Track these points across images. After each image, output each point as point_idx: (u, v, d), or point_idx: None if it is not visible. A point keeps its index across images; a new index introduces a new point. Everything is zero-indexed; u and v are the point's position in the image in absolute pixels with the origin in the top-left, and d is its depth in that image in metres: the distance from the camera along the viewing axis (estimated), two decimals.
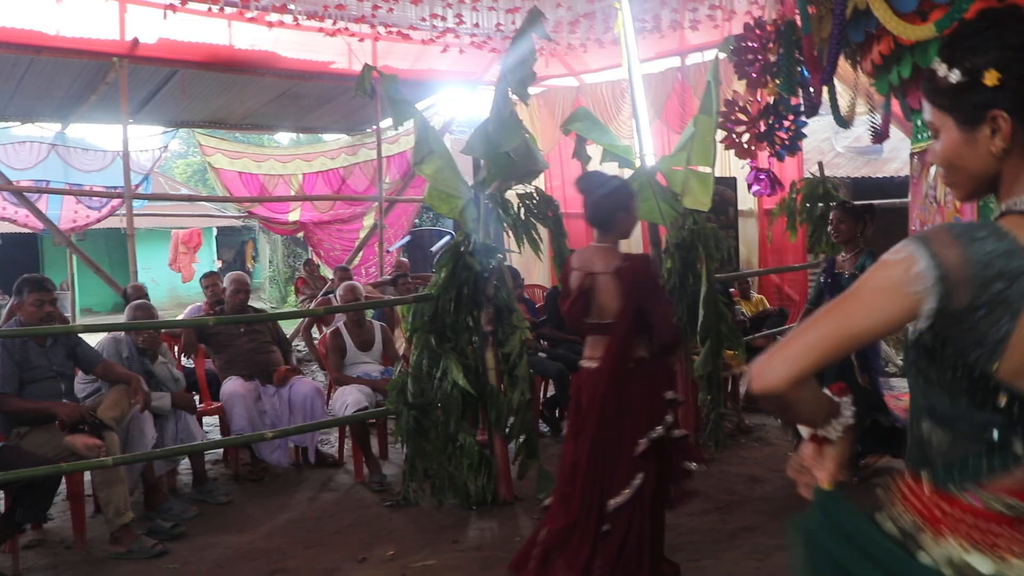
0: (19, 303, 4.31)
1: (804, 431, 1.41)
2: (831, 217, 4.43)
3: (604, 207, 3.45)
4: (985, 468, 1.25)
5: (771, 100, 3.21)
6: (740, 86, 4.16)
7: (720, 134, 4.02)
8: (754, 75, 3.17)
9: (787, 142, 3.26)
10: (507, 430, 5.00)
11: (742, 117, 3.36)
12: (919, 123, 2.91)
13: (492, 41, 9.02)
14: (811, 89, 2.98)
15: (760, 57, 3.14)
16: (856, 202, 8.42)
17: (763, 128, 3.28)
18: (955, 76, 1.28)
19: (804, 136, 3.26)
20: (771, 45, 3.10)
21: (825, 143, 13.11)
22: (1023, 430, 1.24)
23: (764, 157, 3.58)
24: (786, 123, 3.18)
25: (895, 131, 11.06)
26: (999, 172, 1.29)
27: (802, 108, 3.09)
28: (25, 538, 4.46)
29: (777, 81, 3.01)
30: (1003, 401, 1.23)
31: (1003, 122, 1.25)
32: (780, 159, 3.42)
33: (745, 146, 3.39)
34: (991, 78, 1.24)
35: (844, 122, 3.26)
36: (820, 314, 1.25)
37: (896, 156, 11.38)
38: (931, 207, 2.82)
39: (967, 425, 1.26)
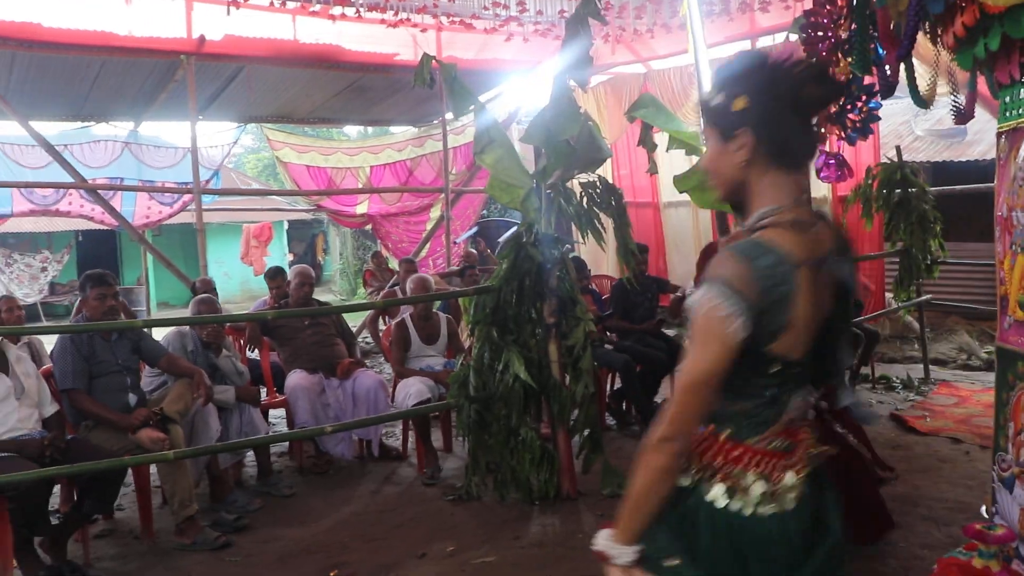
0: (83, 299, 4.38)
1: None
2: None
3: None
4: (763, 419, 1.61)
5: (842, 80, 3.02)
6: None
7: None
8: (824, 53, 2.99)
9: (859, 125, 3.07)
10: (571, 424, 4.90)
11: None
12: (1007, 99, 2.70)
13: (556, 29, 8.88)
14: (886, 68, 2.79)
15: (830, 34, 2.95)
16: (936, 188, 8.15)
17: (833, 110, 3.10)
18: (717, 99, 1.62)
19: (878, 118, 3.08)
20: (842, 21, 2.91)
21: (904, 126, 12.64)
22: (790, 386, 1.61)
23: (834, 141, 3.39)
24: (858, 104, 3.00)
25: (980, 112, 10.65)
26: (746, 180, 1.63)
27: (876, 88, 2.91)
28: (96, 528, 4.56)
29: (849, 60, 2.83)
30: (775, 369, 1.58)
31: (745, 138, 1.60)
32: (851, 143, 3.23)
33: (813, 129, 3.21)
34: (740, 103, 1.59)
35: (923, 102, 3.06)
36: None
37: (981, 139, 10.90)
38: (1020, 190, 2.62)
39: (750, 389, 1.60)
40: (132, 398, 4.47)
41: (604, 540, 1.65)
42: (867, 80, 2.98)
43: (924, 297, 8.18)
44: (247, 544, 4.36)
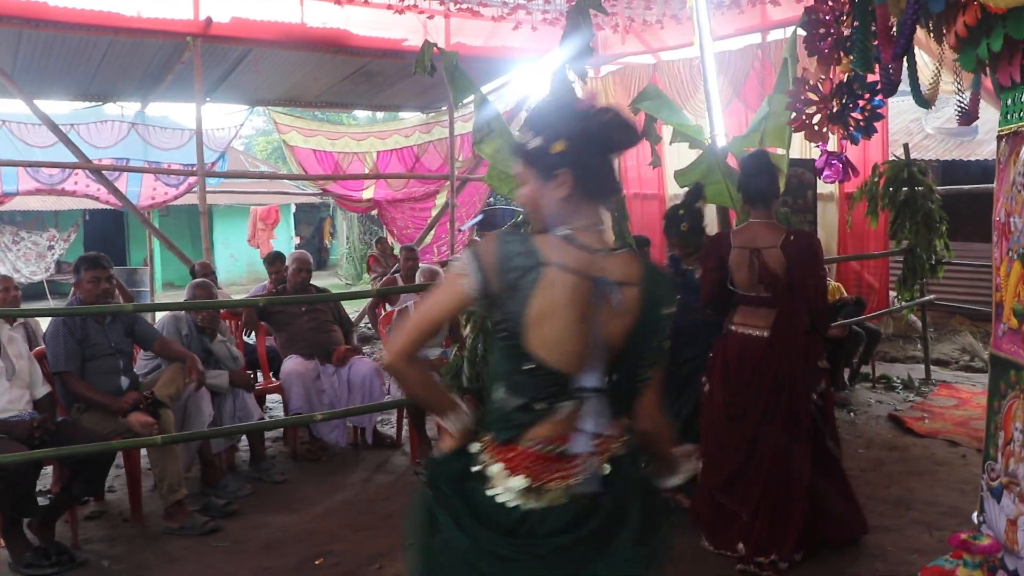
0: (77, 281, 4.37)
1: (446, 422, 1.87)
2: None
3: (766, 184, 3.71)
4: (517, 422, 1.75)
5: (844, 78, 2.96)
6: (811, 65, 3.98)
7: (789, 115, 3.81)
8: (826, 50, 2.93)
9: (862, 123, 3.02)
10: None
11: (813, 96, 3.12)
12: (1009, 102, 2.65)
13: (564, 18, 8.80)
14: (889, 66, 2.74)
15: (832, 31, 2.90)
16: (944, 187, 8.06)
17: (835, 108, 3.04)
18: (535, 143, 1.76)
19: (881, 117, 3.01)
20: (844, 18, 2.87)
21: (914, 124, 12.52)
22: (553, 395, 1.74)
23: (836, 141, 3.34)
24: (861, 103, 2.94)
25: (993, 112, 10.52)
26: (559, 210, 1.77)
27: (879, 87, 2.85)
28: (86, 510, 4.57)
29: (851, 57, 2.77)
30: (528, 366, 1.72)
31: (565, 177, 1.74)
32: (854, 142, 3.18)
33: (816, 128, 3.16)
34: (559, 147, 1.73)
35: (925, 102, 3.00)
36: (416, 304, 1.89)
37: (992, 138, 10.70)
38: (1019, 195, 2.58)
39: (515, 387, 1.76)
40: (124, 381, 4.46)
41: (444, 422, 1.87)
42: (870, 78, 2.93)
43: (928, 297, 8.11)
44: (235, 530, 4.35)
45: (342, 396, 5.59)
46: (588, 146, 1.76)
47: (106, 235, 19.47)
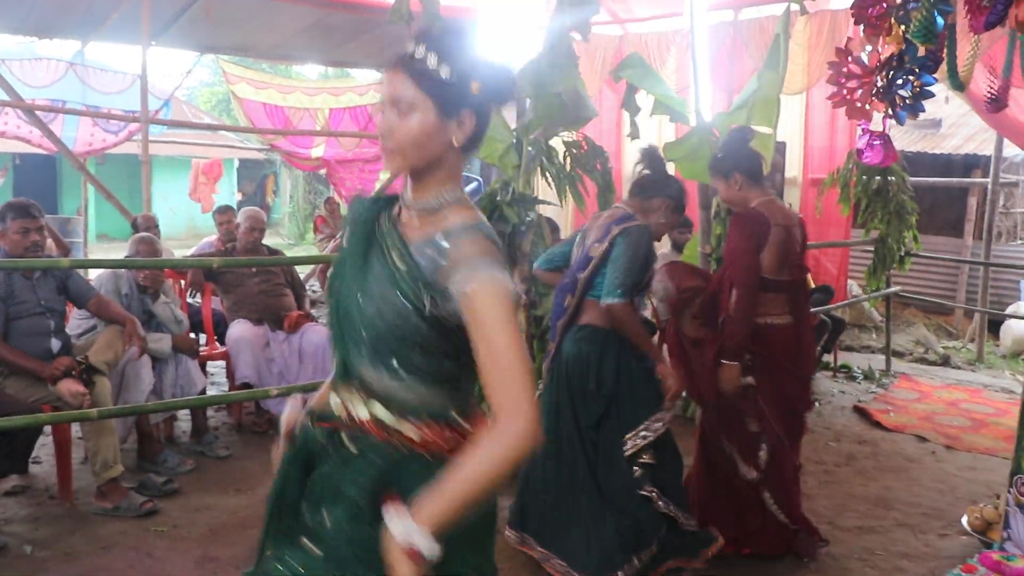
0: (2, 231, 3.88)
1: None
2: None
3: (759, 162, 3.53)
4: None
5: (894, 51, 2.69)
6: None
7: (825, 89, 3.51)
8: (875, 19, 2.65)
9: (910, 102, 2.74)
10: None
11: (856, 70, 2.83)
12: None
13: None
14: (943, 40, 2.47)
15: None
16: (912, 179, 7.96)
17: (880, 83, 2.76)
18: (445, 71, 1.51)
19: (931, 95, 2.74)
20: None
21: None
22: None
23: (878, 118, 3.07)
24: (911, 79, 2.66)
25: (957, 104, 10.47)
26: (443, 159, 1.57)
27: (929, 62, 2.58)
28: (7, 484, 4.11)
29: (903, 27, 2.50)
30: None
31: (469, 121, 1.55)
32: (900, 122, 2.90)
33: (858, 104, 2.88)
34: (475, 87, 1.53)
35: (960, 84, 2.77)
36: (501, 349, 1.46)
37: (955, 132, 10.75)
38: None
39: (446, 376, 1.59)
40: (55, 343, 4.01)
41: (408, 530, 1.39)
42: (921, 51, 2.66)
43: (893, 288, 8.06)
44: (176, 512, 3.96)
45: (292, 365, 5.22)
46: (493, 94, 1.58)
47: (37, 181, 18.57)
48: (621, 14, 9.93)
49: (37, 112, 8.55)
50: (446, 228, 1.53)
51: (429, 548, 1.37)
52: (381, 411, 1.57)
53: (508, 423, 1.39)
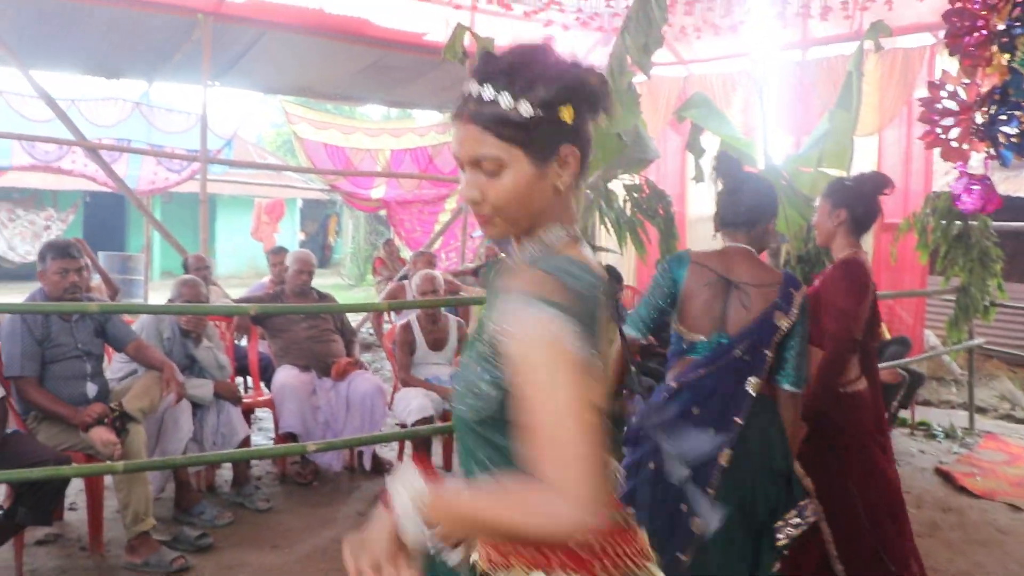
0: (42, 271, 3.77)
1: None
2: None
3: (872, 215, 3.17)
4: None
5: (995, 83, 2.40)
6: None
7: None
8: (971, 48, 2.37)
9: (1015, 139, 2.44)
10: None
11: (951, 106, 2.55)
12: None
13: (598, 19, 8.31)
14: None
15: (982, 24, 2.34)
16: (995, 223, 7.55)
17: (982, 120, 2.47)
18: (525, 107, 1.25)
19: None
20: (1000, 3, 2.31)
21: None
22: None
23: (980, 160, 2.77)
24: (1017, 114, 2.36)
25: None
26: (550, 208, 1.32)
27: None
28: (39, 532, 3.96)
29: (1006, 56, 2.22)
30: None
31: (572, 158, 1.30)
32: (1004, 163, 2.60)
33: (955, 144, 2.59)
34: (567, 113, 1.27)
35: None
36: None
37: None
38: None
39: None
40: (92, 388, 3.88)
41: (412, 487, 1.27)
42: None
43: (976, 341, 7.60)
44: (208, 569, 3.76)
45: (339, 415, 5.02)
46: (592, 115, 1.33)
47: (106, 219, 18.97)
48: (685, 55, 9.76)
49: (102, 151, 8.63)
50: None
51: (413, 521, 1.24)
52: None
53: (560, 501, 1.11)
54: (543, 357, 1.15)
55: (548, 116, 1.26)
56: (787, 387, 2.67)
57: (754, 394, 2.62)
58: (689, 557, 2.53)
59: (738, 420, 2.60)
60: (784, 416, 2.68)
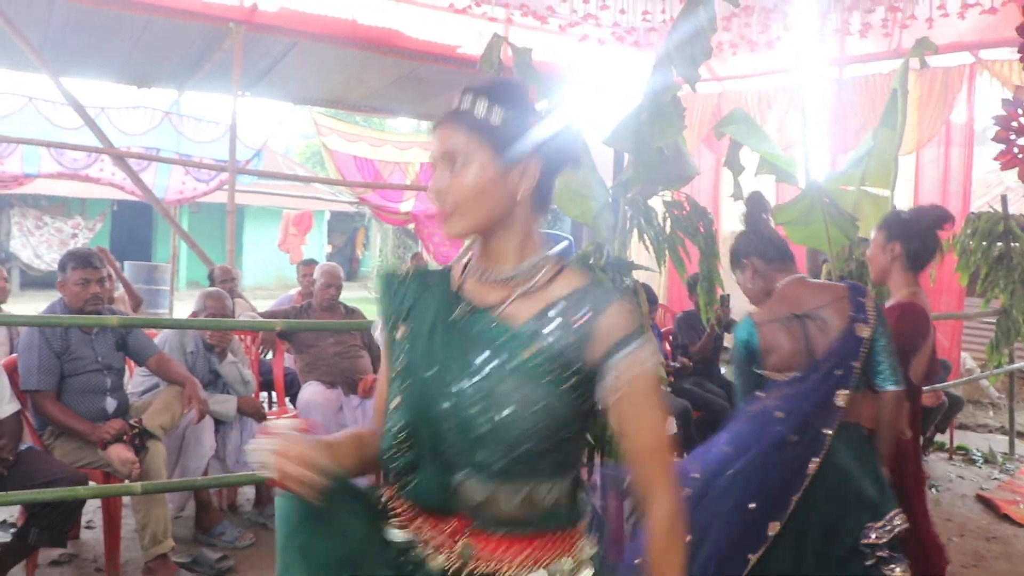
0: (62, 281, 3.67)
1: None
2: None
3: (931, 249, 3.08)
4: None
5: None
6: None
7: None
8: None
9: None
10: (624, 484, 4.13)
11: None
12: None
13: (635, 34, 8.19)
14: None
15: None
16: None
17: None
18: (497, 115, 1.37)
19: None
20: None
21: (991, 175, 11.71)
22: None
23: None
24: None
25: None
26: (510, 218, 1.40)
27: None
28: (55, 552, 3.83)
29: None
30: None
31: (534, 169, 1.38)
32: None
33: None
34: (534, 130, 1.38)
35: None
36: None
37: None
38: None
39: None
40: (111, 403, 3.76)
41: None
42: None
43: (1017, 364, 7.39)
44: None
45: None
46: (556, 153, 1.43)
47: (133, 228, 19.05)
48: (719, 71, 9.61)
49: (130, 160, 8.60)
50: (569, 296, 1.38)
51: None
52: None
53: (668, 508, 1.39)
54: (655, 385, 1.36)
55: (516, 126, 1.37)
56: (891, 387, 2.70)
57: (843, 405, 2.65)
58: (756, 558, 2.57)
59: (827, 431, 2.63)
60: (883, 418, 2.71)
